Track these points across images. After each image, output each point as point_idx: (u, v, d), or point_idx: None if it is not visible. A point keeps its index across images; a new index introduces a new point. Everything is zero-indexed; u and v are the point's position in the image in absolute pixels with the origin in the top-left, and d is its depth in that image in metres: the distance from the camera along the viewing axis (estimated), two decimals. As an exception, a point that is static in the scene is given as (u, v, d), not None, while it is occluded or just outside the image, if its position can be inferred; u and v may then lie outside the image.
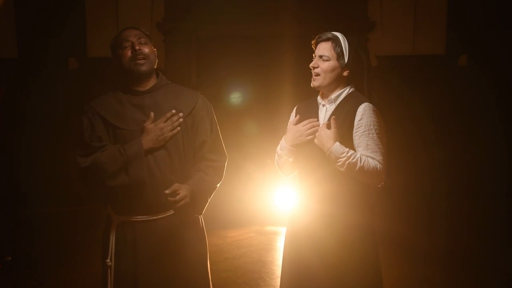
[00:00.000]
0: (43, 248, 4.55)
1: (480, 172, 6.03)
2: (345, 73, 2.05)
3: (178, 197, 1.93)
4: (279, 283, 3.70)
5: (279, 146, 2.17)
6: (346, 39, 2.06)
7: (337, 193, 2.02)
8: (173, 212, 2.05)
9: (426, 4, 6.20)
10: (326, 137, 1.96)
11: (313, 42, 2.11)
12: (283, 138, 2.16)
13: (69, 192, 5.76)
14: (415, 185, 5.74)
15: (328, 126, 2.00)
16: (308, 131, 2.04)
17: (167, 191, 1.92)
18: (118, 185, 1.99)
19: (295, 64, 5.86)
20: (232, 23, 6.23)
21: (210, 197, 2.15)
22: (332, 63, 2.03)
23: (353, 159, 1.93)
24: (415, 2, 6.20)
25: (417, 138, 6.00)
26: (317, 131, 2.03)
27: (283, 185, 5.38)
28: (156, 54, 2.16)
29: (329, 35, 2.06)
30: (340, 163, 1.94)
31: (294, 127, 2.09)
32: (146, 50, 2.07)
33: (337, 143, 1.95)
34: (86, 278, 3.89)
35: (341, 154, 1.94)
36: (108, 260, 2.05)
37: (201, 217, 2.22)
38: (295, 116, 2.18)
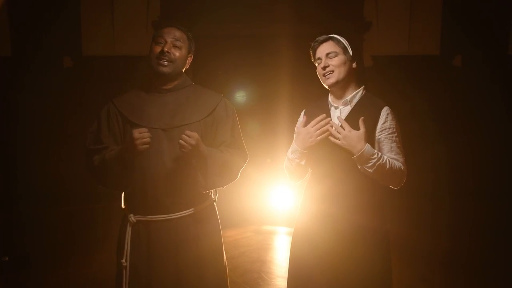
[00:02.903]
0: (41, 248, 4.50)
1: (482, 172, 6.07)
2: (354, 65, 2.07)
3: (188, 138, 1.90)
4: (279, 283, 3.75)
5: (289, 151, 2.14)
6: (340, 36, 2.10)
7: (356, 192, 2.00)
8: (188, 211, 2.05)
9: (422, 5, 6.24)
10: (357, 138, 1.93)
11: (313, 48, 2.11)
12: (293, 142, 2.13)
13: (66, 191, 5.72)
14: (417, 184, 5.74)
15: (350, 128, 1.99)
16: (318, 131, 2.02)
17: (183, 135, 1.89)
18: (126, 184, 2.02)
19: (291, 64, 5.87)
20: (229, 23, 6.22)
21: (220, 172, 2.04)
22: (342, 56, 2.04)
23: (383, 160, 1.93)
24: (410, 3, 6.24)
25: (416, 137, 6.01)
26: (327, 129, 2.02)
27: (280, 185, 5.39)
28: (189, 60, 2.15)
29: (324, 36, 2.09)
30: (370, 164, 1.93)
31: (303, 129, 2.07)
32: (176, 54, 2.06)
33: (368, 145, 1.94)
34: (85, 278, 3.85)
35: (372, 156, 1.93)
36: (123, 261, 2.04)
37: (217, 214, 2.20)
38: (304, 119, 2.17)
